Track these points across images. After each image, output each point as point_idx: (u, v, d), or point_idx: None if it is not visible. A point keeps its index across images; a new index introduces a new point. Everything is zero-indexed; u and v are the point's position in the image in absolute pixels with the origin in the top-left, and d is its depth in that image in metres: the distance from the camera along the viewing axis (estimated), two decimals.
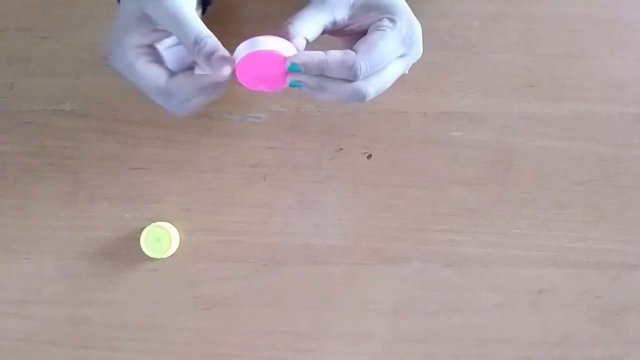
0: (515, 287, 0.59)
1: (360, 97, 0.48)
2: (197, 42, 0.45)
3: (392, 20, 0.48)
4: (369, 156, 0.59)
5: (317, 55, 0.46)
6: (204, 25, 0.46)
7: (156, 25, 0.47)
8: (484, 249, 0.59)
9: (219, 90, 0.49)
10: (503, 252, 0.58)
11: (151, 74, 0.47)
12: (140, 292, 0.58)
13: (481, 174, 0.59)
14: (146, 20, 0.47)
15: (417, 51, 0.50)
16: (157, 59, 0.48)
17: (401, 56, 0.49)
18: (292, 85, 0.47)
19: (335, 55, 0.46)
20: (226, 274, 0.59)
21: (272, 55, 0.46)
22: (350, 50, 0.47)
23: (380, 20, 0.48)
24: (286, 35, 0.47)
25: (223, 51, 0.46)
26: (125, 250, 0.58)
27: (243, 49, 0.47)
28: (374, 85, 0.48)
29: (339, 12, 0.48)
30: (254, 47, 0.46)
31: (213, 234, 0.59)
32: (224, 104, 0.58)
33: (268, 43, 0.46)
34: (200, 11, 0.52)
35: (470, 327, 0.59)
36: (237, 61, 0.46)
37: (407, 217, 0.59)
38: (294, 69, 0.46)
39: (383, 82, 0.48)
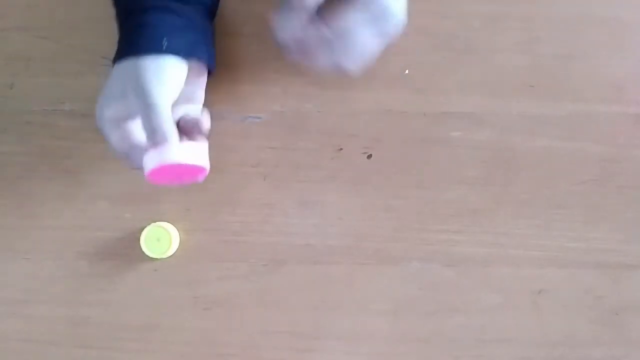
0: (515, 287, 0.59)
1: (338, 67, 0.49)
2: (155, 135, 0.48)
3: None
4: (369, 156, 0.59)
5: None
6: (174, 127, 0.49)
7: (130, 111, 0.49)
8: (484, 249, 0.59)
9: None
10: (503, 252, 0.58)
11: (114, 139, 0.50)
12: (140, 292, 0.58)
13: (481, 174, 0.59)
14: (125, 102, 0.49)
15: (393, 16, 0.49)
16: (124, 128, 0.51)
17: (372, 22, 0.48)
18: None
19: None
20: (226, 274, 0.59)
21: (180, 166, 0.48)
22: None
23: None
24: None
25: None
26: (125, 250, 0.58)
27: (151, 159, 0.48)
28: (357, 44, 0.49)
29: None
30: (162, 158, 0.47)
31: (213, 234, 0.59)
32: (224, 104, 0.58)
33: (176, 153, 0.47)
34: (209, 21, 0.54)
35: (470, 327, 0.59)
36: (146, 170, 0.48)
37: (407, 217, 0.59)
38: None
39: (363, 45, 0.49)
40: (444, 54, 0.58)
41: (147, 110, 0.48)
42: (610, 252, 0.59)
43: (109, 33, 0.58)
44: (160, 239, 0.57)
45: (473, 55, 0.59)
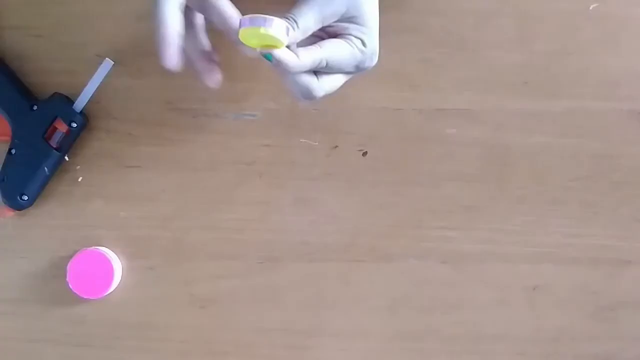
0: (511, 283, 0.59)
1: (309, 94, 0.49)
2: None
3: (364, 44, 0.49)
4: (364, 153, 0.59)
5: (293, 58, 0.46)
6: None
7: None
8: (480, 246, 0.59)
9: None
10: (498, 249, 0.59)
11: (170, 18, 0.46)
12: (136, 290, 0.58)
13: (476, 170, 0.59)
14: None
15: (376, 58, 0.51)
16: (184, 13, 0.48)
17: (347, 73, 0.51)
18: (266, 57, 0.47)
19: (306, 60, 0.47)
20: (222, 272, 0.59)
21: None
22: (317, 47, 0.47)
23: (356, 37, 0.49)
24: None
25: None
26: (121, 249, 0.58)
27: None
28: (323, 89, 0.50)
29: (333, 16, 0.49)
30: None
31: (209, 232, 0.59)
32: (219, 101, 0.58)
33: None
34: None
35: (466, 323, 0.59)
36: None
37: (402, 214, 0.59)
38: (268, 57, 0.46)
39: (331, 86, 0.51)
40: (438, 50, 0.58)
41: None
42: (605, 248, 0.59)
43: (104, 31, 0.58)
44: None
45: (467, 52, 0.59)
